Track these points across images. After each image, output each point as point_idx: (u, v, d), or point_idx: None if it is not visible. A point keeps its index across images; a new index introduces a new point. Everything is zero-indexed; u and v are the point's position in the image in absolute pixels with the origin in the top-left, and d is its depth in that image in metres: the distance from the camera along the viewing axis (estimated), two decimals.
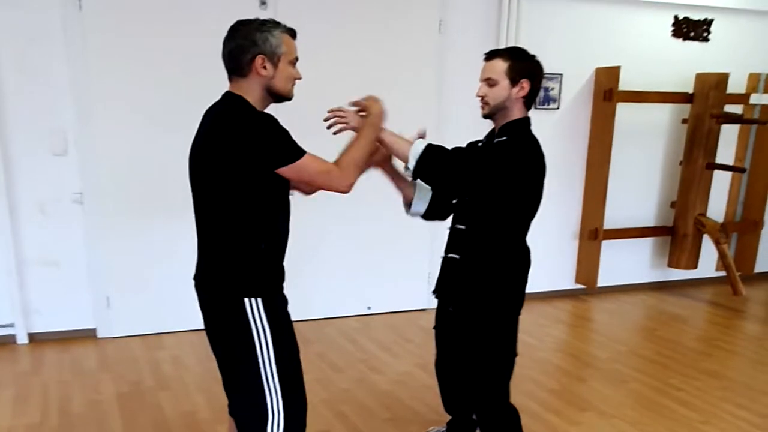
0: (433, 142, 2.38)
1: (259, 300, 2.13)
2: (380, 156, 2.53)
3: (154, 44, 4.14)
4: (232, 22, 2.13)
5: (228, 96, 2.15)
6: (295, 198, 2.32)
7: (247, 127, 2.01)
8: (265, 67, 2.09)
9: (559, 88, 5.23)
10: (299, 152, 2.07)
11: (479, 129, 2.69)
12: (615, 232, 5.59)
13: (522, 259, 2.55)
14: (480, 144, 2.62)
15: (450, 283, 2.61)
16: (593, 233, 5.47)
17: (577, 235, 5.61)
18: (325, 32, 4.48)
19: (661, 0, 5.34)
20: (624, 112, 5.29)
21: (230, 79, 2.15)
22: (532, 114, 2.45)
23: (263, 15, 4.28)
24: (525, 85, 2.38)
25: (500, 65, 2.38)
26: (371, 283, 4.94)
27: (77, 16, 3.97)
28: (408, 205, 2.72)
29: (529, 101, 2.44)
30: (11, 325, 4.20)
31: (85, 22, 3.99)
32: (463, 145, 2.66)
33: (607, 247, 5.56)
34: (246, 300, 2.12)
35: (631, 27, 5.36)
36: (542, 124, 5.20)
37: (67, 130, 4.08)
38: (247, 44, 2.07)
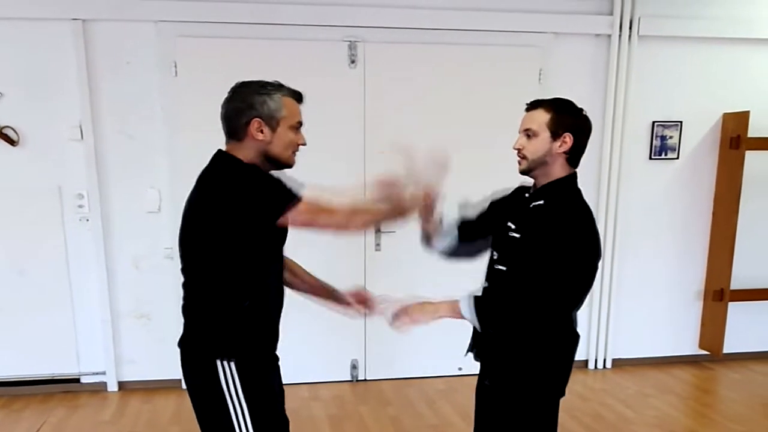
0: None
1: (233, 363, 1.96)
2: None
3: None
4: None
5: (216, 155, 2.03)
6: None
7: (236, 184, 1.90)
8: (261, 131, 1.97)
9: (678, 137, 4.77)
10: (295, 195, 1.91)
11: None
12: (745, 293, 5.03)
13: (566, 336, 2.27)
14: (508, 198, 2.39)
15: (484, 347, 2.37)
16: (718, 294, 4.95)
17: (701, 296, 5.10)
18: (419, 86, 4.40)
19: None
20: (754, 160, 4.76)
21: (227, 142, 2.04)
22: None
23: (353, 73, 4.26)
24: (567, 139, 2.15)
25: (541, 116, 2.17)
26: (464, 342, 4.67)
27: (172, 82, 4.13)
28: (426, 238, 2.50)
29: (573, 158, 2.20)
30: (103, 373, 4.38)
31: (179, 88, 4.14)
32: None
33: (738, 309, 5.00)
34: (218, 362, 1.96)
35: (762, 67, 4.81)
36: (660, 175, 4.84)
37: (161, 189, 4.23)
38: (244, 107, 1.98)
